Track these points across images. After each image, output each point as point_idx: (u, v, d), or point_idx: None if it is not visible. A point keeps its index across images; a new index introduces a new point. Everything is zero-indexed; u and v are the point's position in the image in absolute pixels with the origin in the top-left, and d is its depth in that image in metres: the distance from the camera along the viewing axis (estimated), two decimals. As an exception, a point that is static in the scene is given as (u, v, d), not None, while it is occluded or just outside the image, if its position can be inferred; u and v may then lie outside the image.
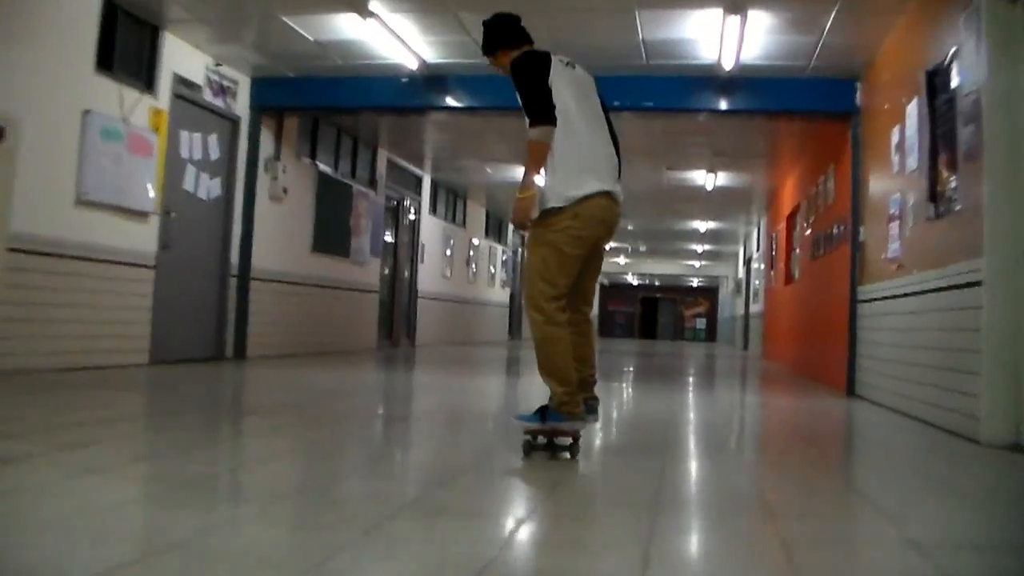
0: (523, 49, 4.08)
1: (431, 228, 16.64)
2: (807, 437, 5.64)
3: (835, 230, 9.73)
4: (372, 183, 13.65)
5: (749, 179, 15.07)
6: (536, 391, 5.69)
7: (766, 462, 4.62)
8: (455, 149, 14.10)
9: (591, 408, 4.07)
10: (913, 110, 6.68)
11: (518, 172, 14.98)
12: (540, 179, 3.90)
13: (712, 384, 10.81)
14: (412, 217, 15.77)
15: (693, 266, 35.21)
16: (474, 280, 19.80)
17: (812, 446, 5.20)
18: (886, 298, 7.45)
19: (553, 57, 4.00)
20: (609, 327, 45.68)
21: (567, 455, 3.93)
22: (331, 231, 12.17)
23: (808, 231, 11.88)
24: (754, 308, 21.23)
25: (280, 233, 10.74)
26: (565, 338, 3.89)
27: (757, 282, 20.72)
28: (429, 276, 16.51)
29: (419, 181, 16.01)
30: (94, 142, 7.32)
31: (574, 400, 3.89)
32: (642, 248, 28.60)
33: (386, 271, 14.73)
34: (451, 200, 18.16)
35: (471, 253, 19.49)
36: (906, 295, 6.79)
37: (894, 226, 7.16)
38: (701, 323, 46.68)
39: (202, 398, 6.31)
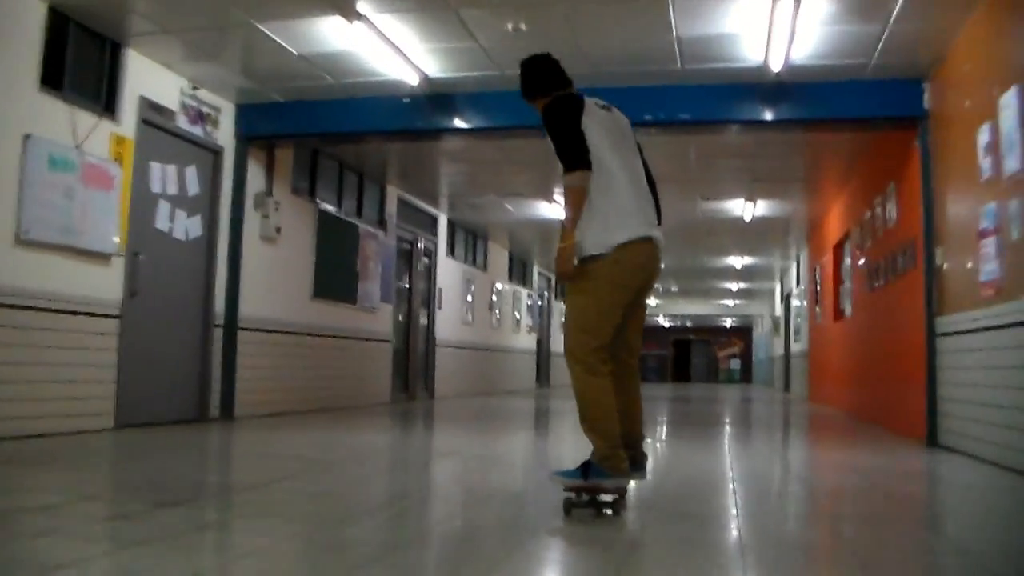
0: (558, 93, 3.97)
1: (449, 271, 15.54)
2: (896, 512, 4.40)
3: (900, 256, 8.52)
4: (381, 223, 12.58)
5: (790, 207, 13.88)
6: (571, 450, 5.37)
7: (848, 561, 3.38)
8: (471, 183, 13.03)
9: (638, 465, 3.92)
10: (1011, 100, 5.50)
11: (540, 208, 13.96)
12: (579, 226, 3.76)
13: (760, 434, 9.56)
14: (427, 260, 14.67)
15: (727, 305, 33.90)
16: (498, 326, 18.64)
17: (906, 525, 3.96)
18: (978, 330, 6.22)
19: (587, 100, 3.91)
20: (641, 371, 44.11)
21: (610, 512, 3.74)
22: (335, 275, 11.09)
23: (862, 260, 10.66)
24: (795, 347, 19.91)
25: (274, 277, 9.66)
26: (608, 389, 3.75)
27: (798, 320, 19.43)
28: (448, 323, 15.38)
29: (434, 221, 14.94)
30: (38, 172, 6.29)
31: (618, 455, 3.71)
32: (674, 288, 27.38)
33: (400, 318, 13.62)
34: (470, 241, 17.07)
35: (494, 297, 18.35)
36: (1009, 325, 5.57)
37: (988, 243, 5.95)
38: (736, 364, 45.18)
39: (162, 473, 5.12)
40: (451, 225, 15.75)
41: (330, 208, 11.00)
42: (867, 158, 10.09)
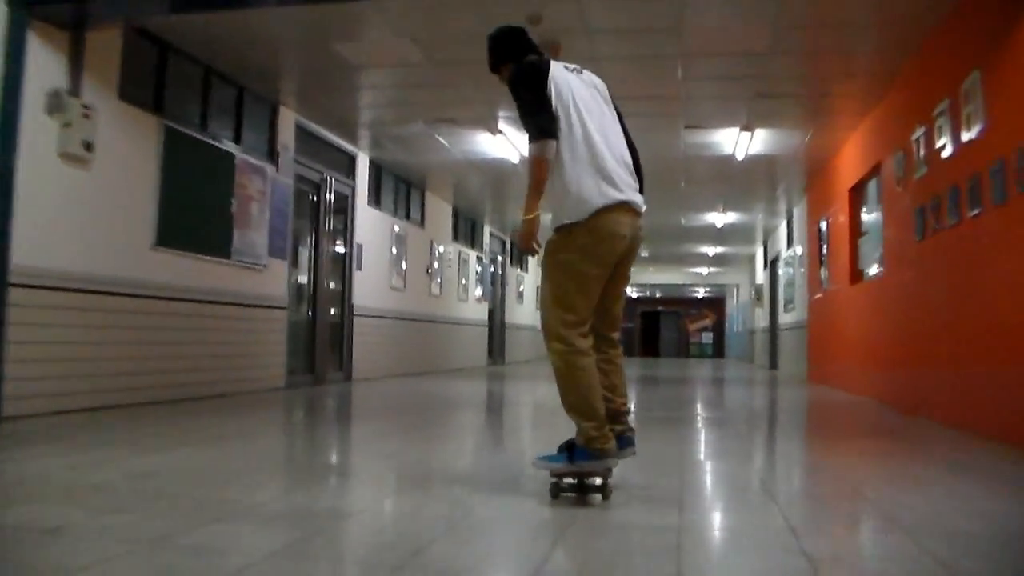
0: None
1: (372, 225, 12.65)
2: None
3: (988, 180, 5.75)
4: (272, 156, 9.66)
5: (793, 142, 11.09)
6: (542, 443, 4.43)
7: None
8: (392, 106, 10.15)
9: (626, 441, 3.74)
10: None
11: (482, 143, 11.08)
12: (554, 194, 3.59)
13: (772, 439, 6.80)
14: (341, 208, 11.77)
15: (700, 274, 31.21)
16: (439, 294, 15.78)
17: None
18: None
19: (555, 64, 3.69)
20: (607, 345, 41.66)
21: (599, 496, 3.55)
22: (194, 218, 8.20)
23: (907, 200, 7.89)
24: (786, 319, 17.22)
25: (86, 215, 6.74)
26: (590, 367, 3.57)
27: (790, 287, 16.75)
28: (371, 287, 12.50)
29: (351, 161, 12.03)
30: None
31: (604, 435, 3.52)
32: (643, 254, 24.60)
33: (300, 280, 10.74)
34: (402, 191, 14.17)
35: (434, 260, 15.47)
36: None
37: None
38: (707, 338, 42.59)
39: None
40: (375, 168, 12.85)
41: (187, 128, 8.06)
42: (926, 54, 7.31)
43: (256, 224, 9.23)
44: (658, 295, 41.53)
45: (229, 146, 8.77)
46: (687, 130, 10.50)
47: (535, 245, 3.62)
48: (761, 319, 22.58)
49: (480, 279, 18.87)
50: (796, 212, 15.96)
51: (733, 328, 36.45)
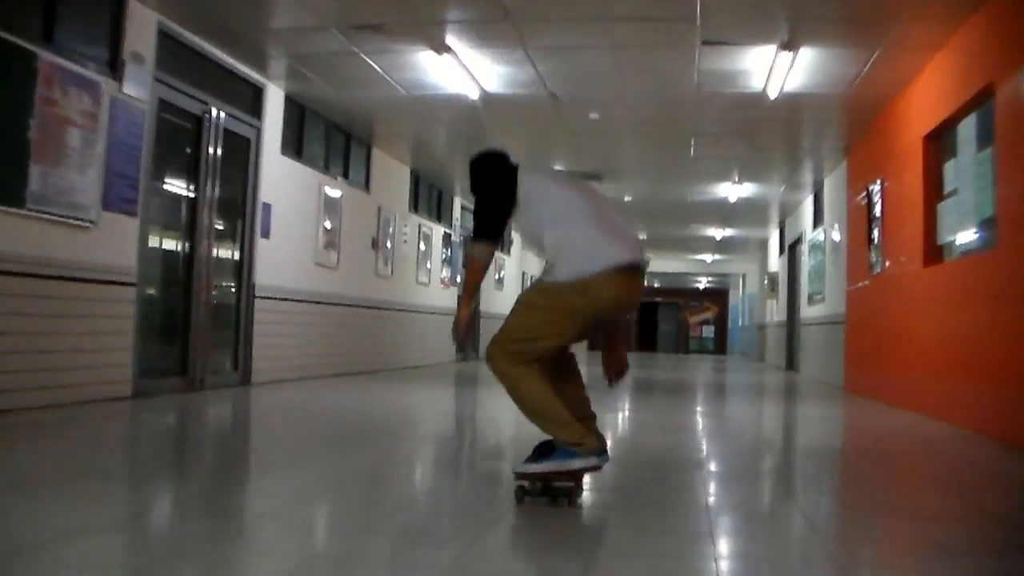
0: None
1: (289, 181, 9.77)
2: None
3: None
4: (114, 66, 6.76)
5: (847, 70, 8.19)
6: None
7: None
8: (308, 12, 7.25)
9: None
10: None
11: (441, 74, 7.10)
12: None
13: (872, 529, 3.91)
14: (238, 154, 8.87)
15: (703, 262, 28.28)
16: (391, 275, 12.87)
17: None
18: None
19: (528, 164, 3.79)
20: (600, 340, 38.68)
21: (566, 502, 3.47)
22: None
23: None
24: (811, 312, 14.33)
25: None
26: (537, 374, 3.53)
27: (815, 275, 13.89)
28: (283, 262, 9.63)
29: (258, 94, 9.13)
30: None
31: (576, 429, 3.46)
32: (641, 236, 21.70)
33: (169, 246, 7.85)
34: (337, 142, 11.27)
35: (384, 232, 12.58)
36: None
37: None
38: (708, 332, 39.68)
39: None
40: (295, 108, 9.94)
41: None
42: None
43: (77, 161, 6.31)
44: (656, 284, 38.54)
45: (28, 42, 5.86)
46: (706, 49, 7.58)
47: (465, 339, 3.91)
48: (775, 312, 19.68)
49: (448, 260, 15.95)
50: (829, 183, 13.06)
51: (737, 322, 33.58)
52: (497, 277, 19.73)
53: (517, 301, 3.70)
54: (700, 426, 7.02)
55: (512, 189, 3.60)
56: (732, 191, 14.66)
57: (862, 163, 10.57)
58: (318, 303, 10.42)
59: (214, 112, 8.16)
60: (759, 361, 22.64)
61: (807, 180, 13.76)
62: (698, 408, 8.87)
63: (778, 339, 18.92)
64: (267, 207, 9.19)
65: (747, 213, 17.36)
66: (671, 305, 40.32)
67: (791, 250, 17.40)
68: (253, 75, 8.92)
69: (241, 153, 8.88)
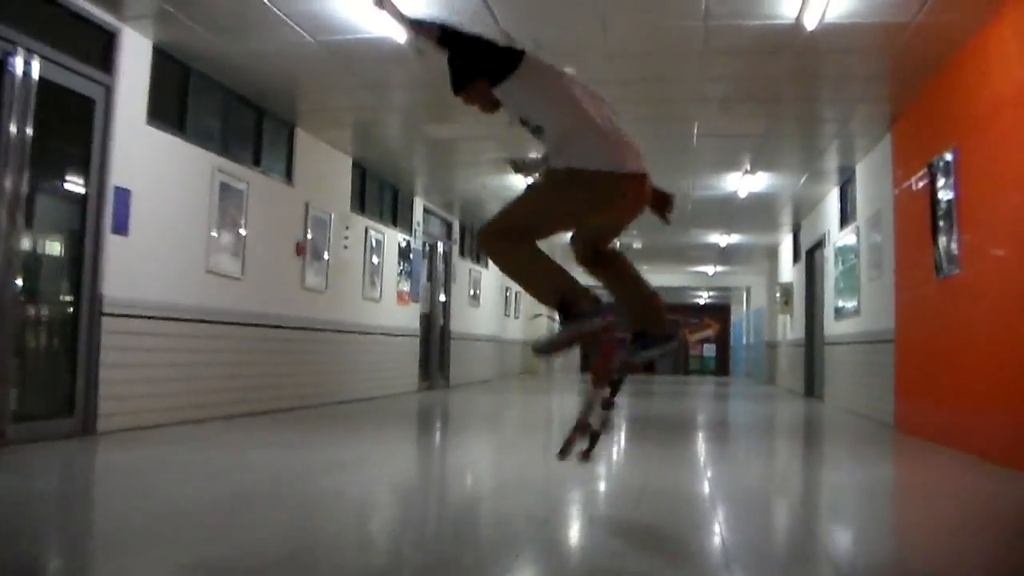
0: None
1: (160, 159, 7.39)
2: None
3: None
4: None
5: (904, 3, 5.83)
6: None
7: None
8: None
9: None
10: None
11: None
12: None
13: None
14: (75, 114, 6.47)
15: (705, 274, 25.83)
16: (325, 288, 10.44)
17: None
18: None
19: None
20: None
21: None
22: None
23: None
24: (840, 329, 11.90)
25: None
26: (536, 248, 3.58)
27: (843, 283, 11.52)
28: (152, 267, 7.24)
29: (108, 41, 6.73)
30: None
31: (584, 295, 3.54)
32: (636, 245, 19.24)
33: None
34: (241, 118, 8.87)
35: (315, 236, 10.21)
36: None
37: None
38: (709, 351, 37.17)
39: None
40: (170, 64, 7.53)
41: None
42: None
43: None
44: (654, 301, 36.18)
45: None
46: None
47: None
48: (788, 329, 17.24)
49: (409, 272, 13.52)
50: (863, 170, 10.66)
51: (741, 340, 31.15)
52: (472, 293, 17.30)
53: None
54: (714, 505, 4.61)
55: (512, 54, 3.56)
56: (742, 183, 12.22)
57: (918, 132, 8.16)
58: (212, 323, 7.99)
59: (21, 58, 5.75)
60: (769, 384, 20.18)
61: (832, 167, 11.36)
62: (708, 466, 6.42)
63: (793, 360, 16.47)
64: (123, 193, 6.76)
65: (757, 213, 14.94)
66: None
67: (809, 257, 14.99)
68: (100, 14, 6.52)
69: (80, 119, 6.47)
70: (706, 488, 5.06)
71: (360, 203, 11.66)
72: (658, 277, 26.65)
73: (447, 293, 15.76)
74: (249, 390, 8.62)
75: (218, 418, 7.93)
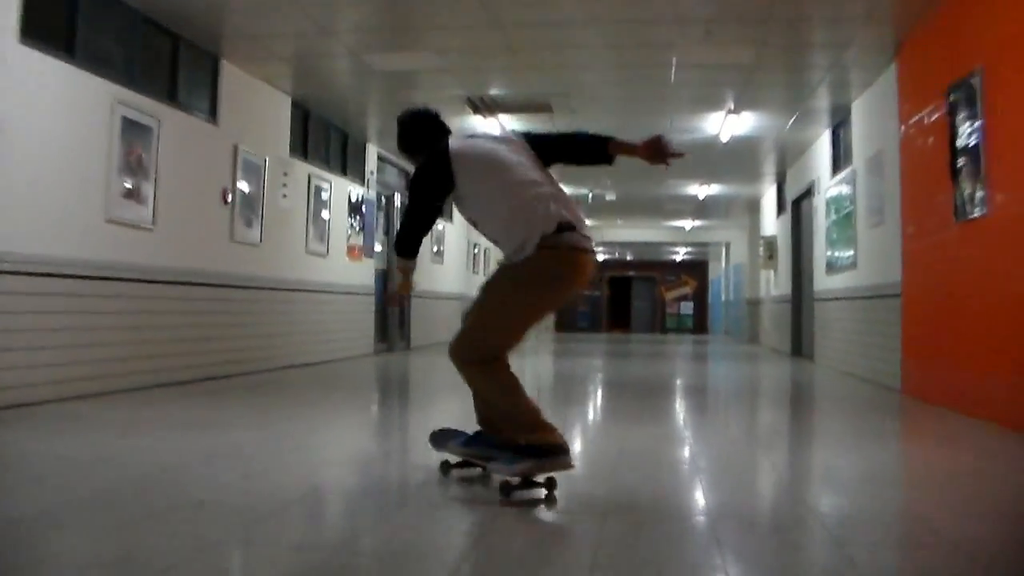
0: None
1: (37, 86, 6.21)
2: None
3: None
4: None
5: None
6: None
7: None
8: None
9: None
10: None
11: None
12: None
13: None
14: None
15: (682, 229, 24.76)
16: (259, 242, 9.31)
17: None
18: None
19: (460, 142, 3.69)
20: (569, 318, 35.16)
21: (544, 493, 3.43)
22: None
23: None
24: (833, 283, 10.90)
25: None
26: (508, 371, 3.57)
27: (837, 234, 10.53)
28: (26, 213, 6.07)
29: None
30: None
31: (546, 430, 3.50)
32: (608, 197, 18.12)
33: None
34: (157, 46, 7.67)
35: (246, 183, 9.06)
36: None
37: None
38: (687, 308, 36.22)
39: None
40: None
41: None
42: None
43: None
44: (629, 257, 35.09)
45: None
46: None
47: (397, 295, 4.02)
48: (772, 285, 16.25)
49: (362, 226, 12.38)
50: (861, 107, 9.60)
51: (719, 297, 30.22)
52: (435, 249, 16.17)
53: (481, 292, 3.67)
54: (706, 480, 3.57)
55: (445, 184, 3.59)
56: (724, 125, 11.11)
57: (931, 57, 7.08)
58: (115, 279, 6.85)
59: None
60: (751, 343, 19.22)
61: (824, 106, 10.28)
62: (693, 441, 5.38)
63: (777, 317, 15.49)
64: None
65: (740, 161, 13.86)
66: (646, 280, 36.81)
67: (795, 208, 13.96)
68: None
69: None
70: (693, 482, 4.01)
71: (302, 148, 10.49)
72: (634, 232, 25.69)
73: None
74: (164, 357, 7.51)
75: (122, 391, 6.82)
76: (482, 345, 3.53)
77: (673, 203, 19.18)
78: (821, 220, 11.54)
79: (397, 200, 14.05)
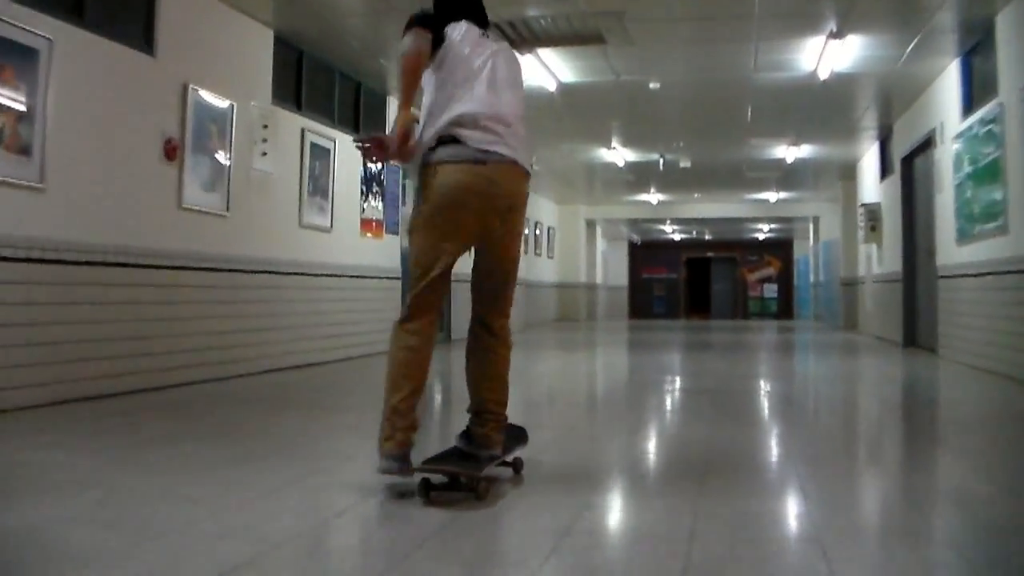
0: None
1: None
2: None
3: None
4: None
5: None
6: None
7: None
8: None
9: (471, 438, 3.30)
10: None
11: None
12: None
13: None
14: None
15: (766, 202, 22.25)
16: (227, 211, 7.39)
17: None
18: None
19: (466, 24, 3.32)
20: (645, 303, 32.78)
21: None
22: None
23: None
24: (970, 254, 8.53)
25: None
26: (414, 349, 3.19)
27: (983, 191, 8.14)
28: None
29: None
30: None
31: (393, 429, 3.09)
32: (683, 164, 15.79)
33: None
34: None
35: (198, 132, 7.12)
36: None
37: None
38: (770, 291, 33.49)
39: None
40: None
41: None
42: None
43: None
44: (707, 237, 32.51)
45: None
46: None
47: (394, 154, 3.14)
48: (876, 262, 13.80)
49: (382, 195, 10.35)
50: (1012, 18, 7.23)
51: (806, 278, 27.60)
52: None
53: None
54: None
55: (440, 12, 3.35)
56: (824, 56, 8.75)
57: None
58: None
59: None
60: (848, 329, 16.74)
61: (952, 25, 7.91)
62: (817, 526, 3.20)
63: (884, 300, 13.04)
64: None
65: (837, 110, 11.49)
66: (726, 261, 34.14)
67: (906, 167, 11.53)
68: None
69: None
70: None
71: (294, 97, 8.48)
72: (713, 207, 23.36)
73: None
74: (71, 364, 5.54)
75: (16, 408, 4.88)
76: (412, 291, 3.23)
77: (756, 169, 16.73)
78: (947, 176, 9.15)
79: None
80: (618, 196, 21.55)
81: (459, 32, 3.24)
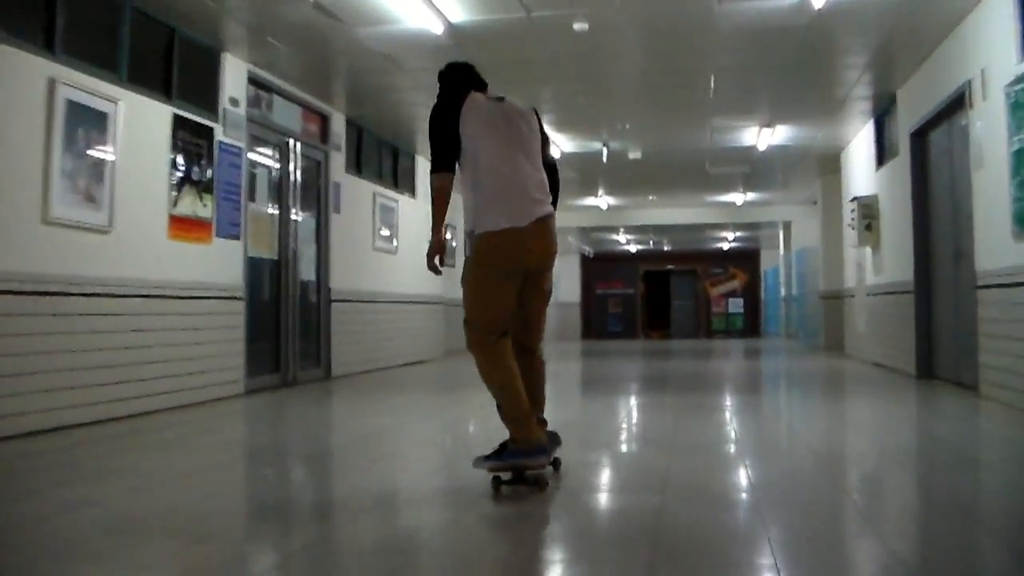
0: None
1: None
2: None
3: None
4: None
5: None
6: None
7: None
8: None
9: (552, 438, 4.01)
10: None
11: None
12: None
13: None
14: None
15: (731, 205, 19.57)
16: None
17: None
18: None
19: (476, 95, 3.92)
20: (599, 322, 29.98)
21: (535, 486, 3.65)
22: None
23: None
24: (1002, 261, 5.79)
25: None
26: (511, 369, 3.76)
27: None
28: None
29: None
30: None
31: (531, 430, 3.74)
32: (631, 155, 13.03)
33: None
34: None
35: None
36: None
37: None
38: (735, 306, 30.81)
39: None
40: None
41: None
42: None
43: None
44: (666, 247, 29.76)
45: None
46: None
47: (436, 264, 3.87)
48: (870, 270, 11.14)
49: (207, 185, 7.51)
50: None
51: (775, 292, 25.06)
52: (382, 232, 11.32)
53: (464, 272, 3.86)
54: None
55: (453, 121, 3.81)
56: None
57: None
58: None
59: None
60: (832, 352, 14.07)
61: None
62: None
63: (884, 317, 10.34)
64: None
65: (821, 65, 8.88)
66: (687, 273, 31.37)
67: (918, 144, 8.89)
68: None
69: None
70: None
71: (45, 35, 5.64)
72: (669, 213, 20.77)
73: (323, 230, 9.78)
74: None
75: None
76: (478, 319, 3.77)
77: (721, 163, 14.01)
78: (996, 143, 6.46)
79: (294, 152, 9.14)
80: (562, 199, 18.79)
81: (472, 125, 3.79)
